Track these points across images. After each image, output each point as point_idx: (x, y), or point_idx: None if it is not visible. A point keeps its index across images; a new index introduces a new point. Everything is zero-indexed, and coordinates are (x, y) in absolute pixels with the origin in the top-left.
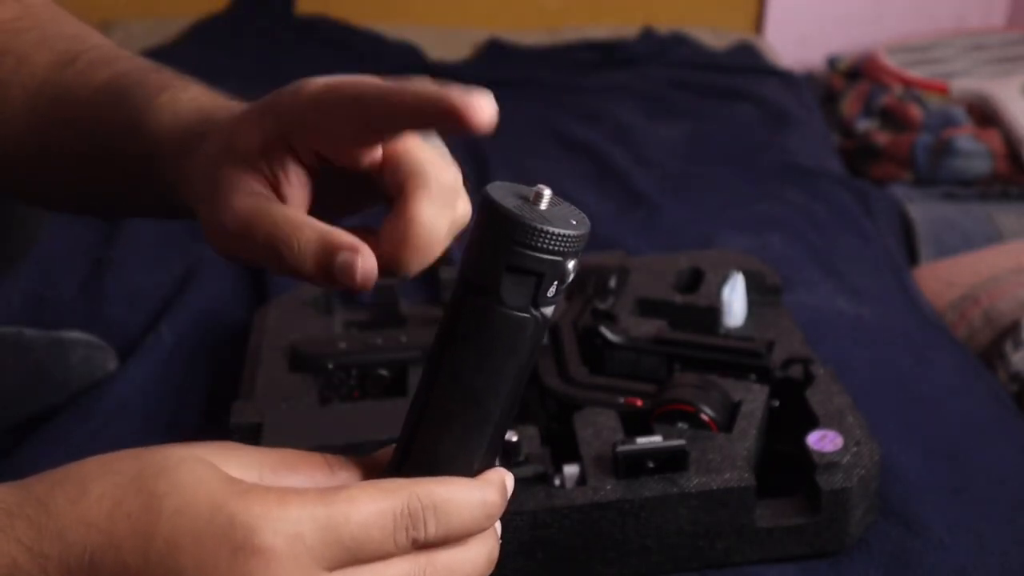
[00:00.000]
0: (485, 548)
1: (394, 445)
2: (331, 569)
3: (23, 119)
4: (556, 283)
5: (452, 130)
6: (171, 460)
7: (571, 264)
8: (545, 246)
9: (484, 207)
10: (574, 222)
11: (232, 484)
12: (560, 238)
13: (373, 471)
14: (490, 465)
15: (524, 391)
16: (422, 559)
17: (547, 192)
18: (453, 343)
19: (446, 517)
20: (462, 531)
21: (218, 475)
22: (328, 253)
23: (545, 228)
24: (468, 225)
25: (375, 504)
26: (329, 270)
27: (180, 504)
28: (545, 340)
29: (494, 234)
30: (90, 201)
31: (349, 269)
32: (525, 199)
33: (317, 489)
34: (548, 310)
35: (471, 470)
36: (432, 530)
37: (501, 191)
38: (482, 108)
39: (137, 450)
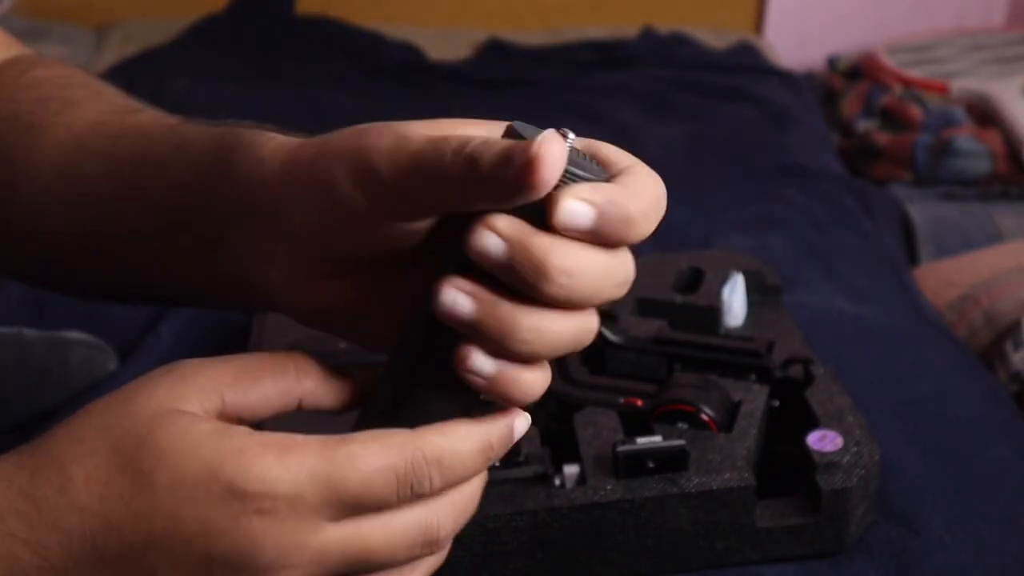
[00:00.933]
0: (480, 482)
1: (373, 371)
2: (335, 520)
3: (63, 164)
4: None
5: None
6: (142, 426)
7: None
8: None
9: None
10: (597, 168)
11: (219, 440)
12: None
13: (341, 380)
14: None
15: None
16: (423, 510)
17: (571, 135)
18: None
19: (450, 470)
20: (463, 478)
21: (197, 431)
22: (503, 145)
23: (576, 172)
24: None
25: (377, 461)
26: (508, 161)
27: (172, 477)
28: None
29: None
30: (132, 272)
31: (530, 150)
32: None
33: (315, 441)
34: None
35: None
36: (436, 484)
37: (525, 128)
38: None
39: (99, 415)
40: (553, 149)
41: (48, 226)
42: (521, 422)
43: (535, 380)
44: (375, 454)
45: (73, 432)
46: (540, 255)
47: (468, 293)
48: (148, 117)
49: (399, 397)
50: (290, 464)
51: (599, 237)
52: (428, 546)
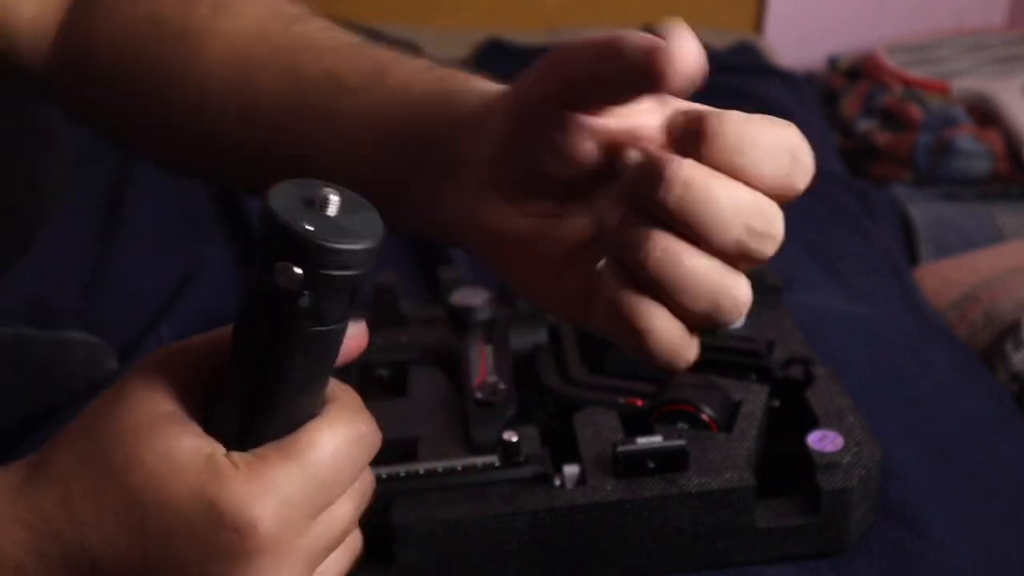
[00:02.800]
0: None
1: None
2: (318, 515)
3: (233, 78)
4: (335, 296)
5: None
6: (128, 441)
7: (349, 277)
8: (336, 262)
9: (265, 215)
10: (363, 232)
11: (202, 465)
12: (351, 254)
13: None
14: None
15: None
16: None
17: (334, 196)
18: (270, 362)
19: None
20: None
21: (183, 450)
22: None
23: (331, 246)
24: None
25: (333, 436)
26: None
27: (160, 498)
28: (545, 340)
29: (272, 239)
30: None
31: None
32: (310, 204)
33: (277, 446)
34: (334, 324)
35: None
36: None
37: (283, 196)
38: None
39: (90, 423)
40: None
41: (223, 132)
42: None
43: (675, 332)
44: (331, 435)
45: (70, 444)
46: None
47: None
48: (317, 28)
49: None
50: (266, 473)
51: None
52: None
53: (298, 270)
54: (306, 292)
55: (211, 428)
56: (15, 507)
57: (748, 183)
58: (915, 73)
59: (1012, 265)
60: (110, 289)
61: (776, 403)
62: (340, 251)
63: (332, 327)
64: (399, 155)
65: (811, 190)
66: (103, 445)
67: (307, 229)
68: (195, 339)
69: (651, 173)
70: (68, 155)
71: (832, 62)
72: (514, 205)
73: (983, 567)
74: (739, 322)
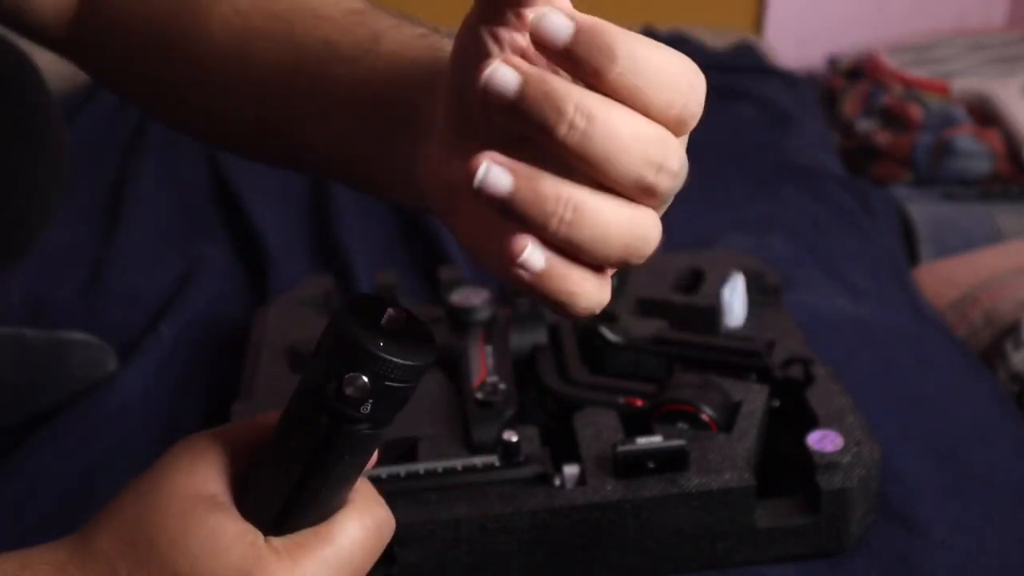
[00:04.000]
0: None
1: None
2: None
3: (233, 47)
4: (385, 405)
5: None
6: (174, 525)
7: (401, 390)
8: (378, 372)
9: (338, 330)
10: (423, 349)
11: (246, 549)
12: (394, 368)
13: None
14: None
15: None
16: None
17: (397, 315)
18: (321, 458)
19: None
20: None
21: (227, 535)
22: None
23: (399, 362)
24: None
25: (361, 525)
26: None
27: None
28: (545, 340)
29: (334, 349)
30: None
31: None
32: (377, 321)
33: (314, 532)
34: (381, 428)
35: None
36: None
37: (352, 310)
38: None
39: (132, 507)
40: None
41: (226, 105)
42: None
43: (588, 284)
44: (359, 521)
45: (114, 524)
46: (609, 38)
47: (503, 165)
48: None
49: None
50: (302, 558)
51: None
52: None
53: (366, 380)
54: (369, 401)
55: (245, 511)
56: None
57: (646, 112)
58: (915, 73)
59: (1012, 265)
60: (110, 289)
61: (776, 403)
62: (405, 367)
63: (381, 431)
64: (388, 121)
65: (811, 190)
66: (148, 527)
67: (378, 345)
68: (230, 427)
69: (546, 109)
70: (68, 155)
71: (832, 62)
72: (461, 156)
73: (983, 567)
74: (739, 322)
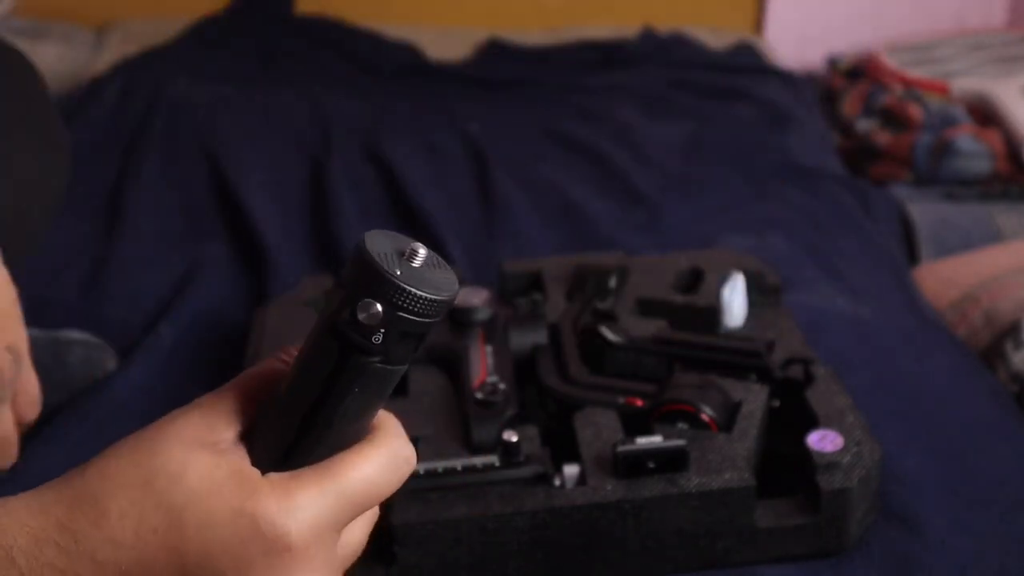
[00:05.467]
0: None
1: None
2: (343, 529)
3: None
4: (400, 340)
5: None
6: (174, 463)
7: (419, 324)
8: (396, 301)
9: (358, 257)
10: (442, 287)
11: (241, 483)
12: (413, 299)
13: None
14: None
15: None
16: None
17: (422, 251)
18: (301, 360)
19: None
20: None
21: (223, 471)
22: None
23: (415, 291)
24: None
25: (373, 461)
26: None
27: (202, 517)
28: (545, 340)
29: (356, 275)
30: None
31: None
32: (400, 254)
33: (316, 466)
34: (396, 364)
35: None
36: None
37: (377, 242)
38: None
39: (129, 452)
40: None
41: None
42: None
43: None
44: (368, 456)
45: (105, 469)
46: None
47: None
48: None
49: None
50: (301, 491)
51: None
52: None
53: (379, 308)
54: (381, 330)
55: (255, 453)
56: (46, 528)
57: None
58: (915, 73)
59: (1012, 265)
60: (110, 289)
61: (776, 403)
62: (420, 298)
63: (394, 368)
64: None
65: (811, 190)
66: (145, 468)
67: (395, 273)
68: (240, 379)
69: None
70: (68, 155)
71: (832, 62)
72: None
73: (983, 567)
74: (739, 322)
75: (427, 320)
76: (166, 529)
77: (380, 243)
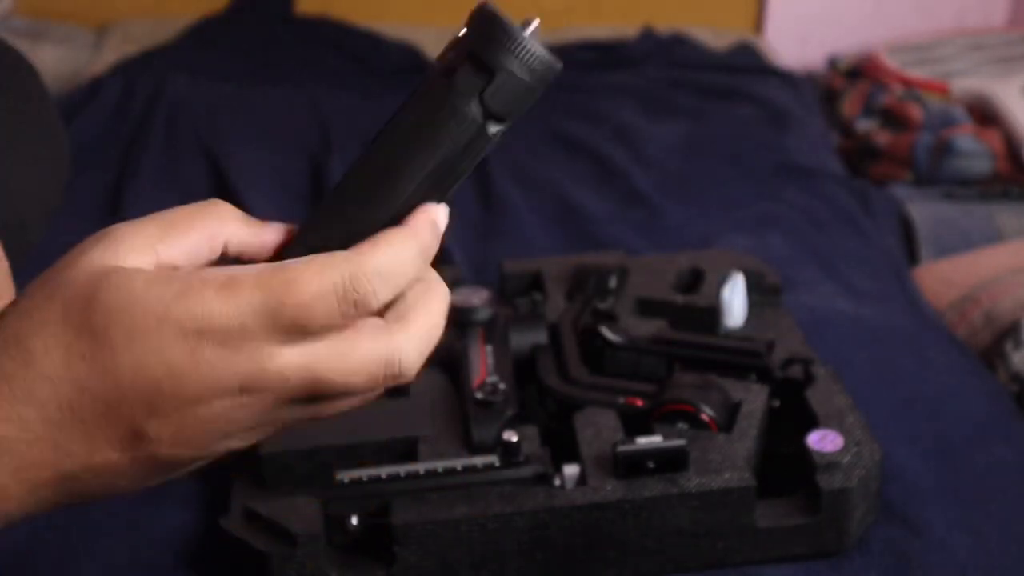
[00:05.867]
0: (442, 309)
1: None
2: (287, 345)
3: None
4: (509, 99)
5: None
6: (85, 287)
7: (528, 87)
8: (513, 50)
9: (476, 10)
10: (549, 55)
11: (160, 287)
12: (530, 53)
13: (262, 225)
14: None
15: (448, 196)
16: (385, 343)
17: (535, 23)
18: (399, 112)
19: (392, 278)
20: (407, 284)
21: (137, 282)
22: None
23: (519, 35)
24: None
25: (314, 283)
26: None
27: (126, 330)
28: (545, 340)
29: (474, 28)
30: None
31: None
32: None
33: (254, 271)
34: (492, 127)
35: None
36: (382, 295)
37: (494, 6)
38: None
39: (41, 287)
40: None
41: None
42: (442, 213)
43: None
44: (312, 276)
45: (21, 308)
46: None
47: None
48: None
49: (327, 221)
50: (230, 298)
51: None
52: (391, 378)
53: (502, 60)
54: (487, 82)
55: (305, 233)
56: None
57: None
58: (915, 73)
59: (1012, 265)
60: None
61: (776, 403)
62: (542, 57)
63: (483, 134)
64: None
65: (811, 190)
66: (58, 299)
67: (522, 30)
68: (144, 218)
69: None
70: (68, 155)
71: (832, 62)
72: None
73: (983, 567)
74: (739, 322)
75: (529, 82)
76: (94, 352)
77: (496, 7)
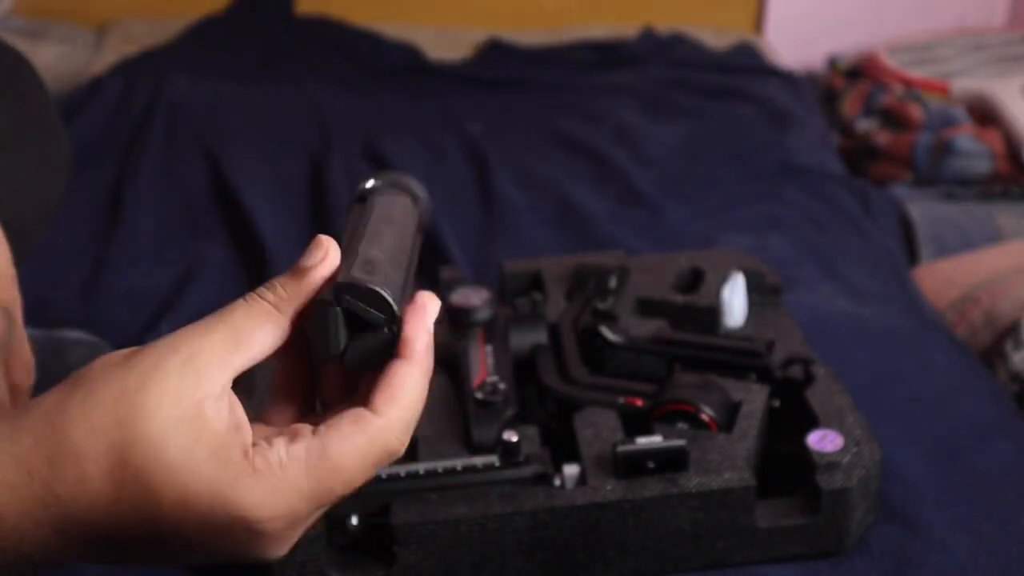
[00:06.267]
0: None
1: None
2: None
3: None
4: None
5: None
6: (155, 435)
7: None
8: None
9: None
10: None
11: (222, 465)
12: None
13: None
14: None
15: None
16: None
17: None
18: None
19: (413, 420)
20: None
21: (204, 448)
22: None
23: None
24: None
25: (358, 466)
26: None
27: (178, 494)
28: (545, 340)
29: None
30: None
31: None
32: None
33: (302, 463)
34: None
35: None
36: (404, 441)
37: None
38: None
39: (113, 403)
40: None
41: None
42: (432, 305)
43: None
44: (355, 461)
45: (89, 421)
46: None
47: None
48: None
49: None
50: (282, 486)
51: None
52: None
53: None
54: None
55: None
56: (31, 487)
57: None
58: (915, 73)
59: (1012, 265)
60: (110, 289)
61: (776, 403)
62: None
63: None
64: None
65: (811, 190)
66: (127, 432)
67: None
68: (209, 329)
69: None
70: (68, 155)
71: (832, 62)
72: None
73: (983, 567)
74: (739, 322)
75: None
76: (143, 503)
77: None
